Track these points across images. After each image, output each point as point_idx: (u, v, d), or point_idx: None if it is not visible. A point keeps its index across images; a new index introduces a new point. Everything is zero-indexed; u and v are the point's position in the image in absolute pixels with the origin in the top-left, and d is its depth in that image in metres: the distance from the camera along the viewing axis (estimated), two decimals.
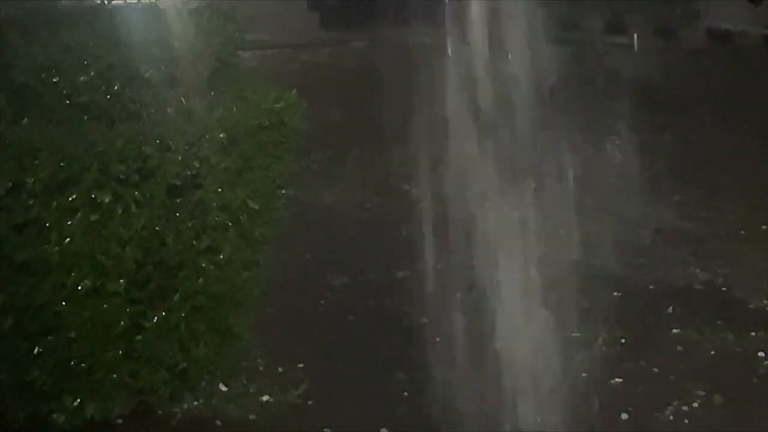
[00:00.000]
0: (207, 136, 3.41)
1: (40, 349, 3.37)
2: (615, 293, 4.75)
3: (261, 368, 3.99)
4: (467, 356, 4.06)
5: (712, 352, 4.20)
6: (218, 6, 3.89)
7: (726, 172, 6.58)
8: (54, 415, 3.47)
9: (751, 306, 4.65)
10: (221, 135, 3.46)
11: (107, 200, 3.26)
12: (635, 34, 10.58)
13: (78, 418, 3.49)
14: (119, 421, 3.57)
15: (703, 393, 3.85)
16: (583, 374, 3.97)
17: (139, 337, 3.46)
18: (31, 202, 3.21)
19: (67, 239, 3.25)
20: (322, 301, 4.66)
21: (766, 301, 4.67)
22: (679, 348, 4.24)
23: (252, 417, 3.70)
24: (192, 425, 3.63)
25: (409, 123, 7.50)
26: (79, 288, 3.30)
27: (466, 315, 4.42)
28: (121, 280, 3.35)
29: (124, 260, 3.33)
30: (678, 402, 3.79)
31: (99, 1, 3.69)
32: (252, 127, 3.63)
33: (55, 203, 3.23)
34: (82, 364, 3.41)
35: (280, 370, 4.00)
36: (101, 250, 3.30)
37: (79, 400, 3.46)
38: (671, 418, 3.71)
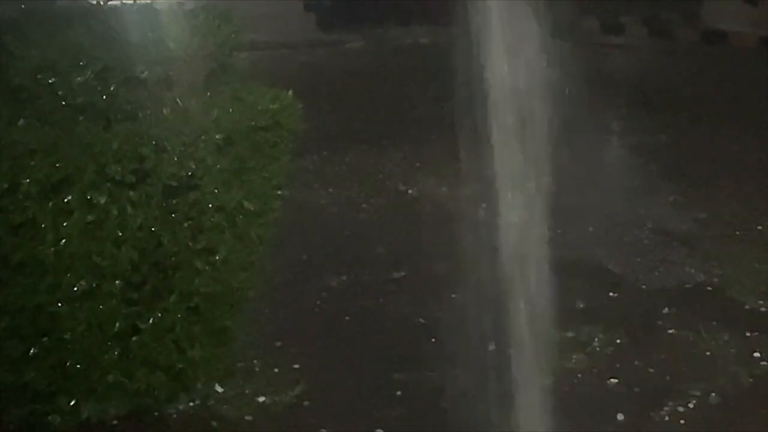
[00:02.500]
0: (203, 137, 3.41)
1: (36, 350, 3.37)
2: (611, 293, 4.75)
3: (257, 369, 4.00)
4: (464, 357, 4.07)
5: (708, 353, 4.21)
6: (214, 7, 3.89)
7: (722, 172, 6.59)
8: (50, 417, 3.47)
9: (747, 306, 4.65)
10: (217, 136, 3.46)
11: (103, 201, 3.26)
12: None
13: (74, 420, 3.49)
14: (115, 422, 3.57)
15: (698, 393, 3.85)
16: (579, 375, 3.98)
17: (135, 338, 3.46)
18: (27, 203, 3.21)
19: (63, 240, 3.25)
20: (318, 302, 4.66)
21: (761, 302, 4.68)
22: (675, 348, 4.25)
23: (248, 418, 3.70)
24: (188, 426, 3.63)
25: (405, 123, 7.52)
26: (75, 289, 3.30)
27: (462, 316, 4.42)
28: (117, 281, 3.35)
29: (120, 261, 3.33)
30: (674, 402, 3.80)
31: (95, 2, 3.68)
32: (248, 127, 3.63)
33: (50, 204, 3.23)
34: (78, 365, 3.41)
35: (277, 370, 4.00)
36: (97, 251, 3.30)
37: (74, 401, 3.46)
38: (667, 418, 3.71)
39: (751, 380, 4.00)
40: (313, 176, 6.39)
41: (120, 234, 3.31)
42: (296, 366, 4.03)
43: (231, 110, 3.58)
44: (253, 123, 3.65)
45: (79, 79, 3.36)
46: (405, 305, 4.62)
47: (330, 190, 6.26)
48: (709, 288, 4.87)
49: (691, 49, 10.43)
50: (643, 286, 4.87)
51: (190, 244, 3.46)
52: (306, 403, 3.80)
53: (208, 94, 3.62)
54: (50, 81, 3.36)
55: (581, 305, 4.55)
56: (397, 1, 11.23)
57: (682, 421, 3.70)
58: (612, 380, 3.96)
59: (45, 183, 3.21)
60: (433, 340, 4.25)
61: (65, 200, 3.24)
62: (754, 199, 6.07)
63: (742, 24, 10.60)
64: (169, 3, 3.69)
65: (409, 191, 6.28)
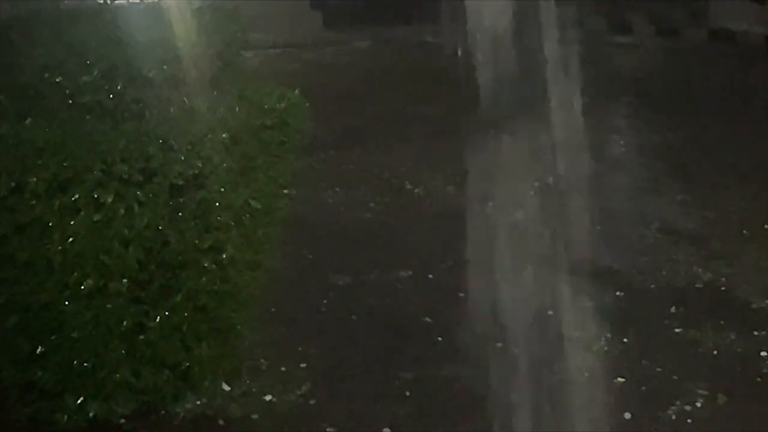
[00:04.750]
0: (210, 136, 3.41)
1: (43, 349, 3.38)
2: (618, 293, 4.74)
3: (264, 368, 4.00)
4: (470, 356, 4.06)
5: (715, 352, 4.20)
6: (221, 6, 3.90)
7: (729, 171, 6.57)
8: (57, 415, 3.48)
9: (754, 306, 4.64)
10: (224, 135, 3.46)
11: (110, 200, 3.26)
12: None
13: (81, 418, 3.50)
14: (122, 420, 3.58)
15: (706, 393, 3.85)
16: (586, 374, 3.97)
17: (141, 337, 3.46)
18: (34, 202, 3.22)
19: (70, 239, 3.25)
20: (324, 301, 4.66)
21: None
22: (682, 347, 4.24)
23: (255, 416, 3.70)
24: (195, 425, 3.63)
25: (412, 122, 7.52)
26: (82, 288, 3.30)
27: (468, 315, 4.42)
28: (124, 280, 3.36)
29: (127, 260, 3.33)
30: (681, 402, 3.79)
31: (102, 1, 3.69)
32: (255, 126, 3.63)
33: (58, 203, 3.24)
34: (85, 364, 3.41)
35: (283, 369, 4.00)
36: (104, 249, 3.30)
37: (81, 399, 3.47)
38: (674, 417, 3.71)
39: (758, 380, 3.99)
40: (319, 175, 6.39)
41: (127, 233, 3.32)
42: (303, 365, 4.03)
43: (238, 109, 3.58)
44: (259, 122, 3.65)
45: (85, 78, 3.37)
46: (411, 304, 4.62)
47: (336, 189, 6.26)
48: (716, 287, 4.86)
49: (698, 48, 10.41)
50: (651, 286, 4.86)
51: (197, 242, 3.46)
52: (313, 401, 3.80)
53: (215, 93, 3.62)
54: (57, 80, 3.37)
55: (588, 304, 4.54)
56: (403, 1, 11.23)
57: (689, 421, 3.69)
58: (619, 379, 3.95)
59: (52, 182, 3.22)
60: (440, 338, 4.25)
61: (72, 199, 3.24)
62: (761, 198, 6.06)
63: (750, 23, 10.58)
64: (175, 2, 3.69)
65: (416, 190, 6.28)
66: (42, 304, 3.32)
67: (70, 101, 3.39)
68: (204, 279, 3.51)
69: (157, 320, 3.46)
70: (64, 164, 3.21)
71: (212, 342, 3.63)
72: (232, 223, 3.54)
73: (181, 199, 3.44)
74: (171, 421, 3.64)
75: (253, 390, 3.84)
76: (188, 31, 3.59)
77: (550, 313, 4.37)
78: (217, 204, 3.47)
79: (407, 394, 3.85)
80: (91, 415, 3.50)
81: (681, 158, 6.85)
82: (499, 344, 4.13)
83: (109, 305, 3.37)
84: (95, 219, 3.27)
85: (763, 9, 10.53)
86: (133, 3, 3.75)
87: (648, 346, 4.21)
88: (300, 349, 4.15)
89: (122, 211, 3.30)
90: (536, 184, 6.11)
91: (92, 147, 3.25)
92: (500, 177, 5.68)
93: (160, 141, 3.32)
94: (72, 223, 3.25)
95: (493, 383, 3.82)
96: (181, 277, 3.49)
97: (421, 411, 3.72)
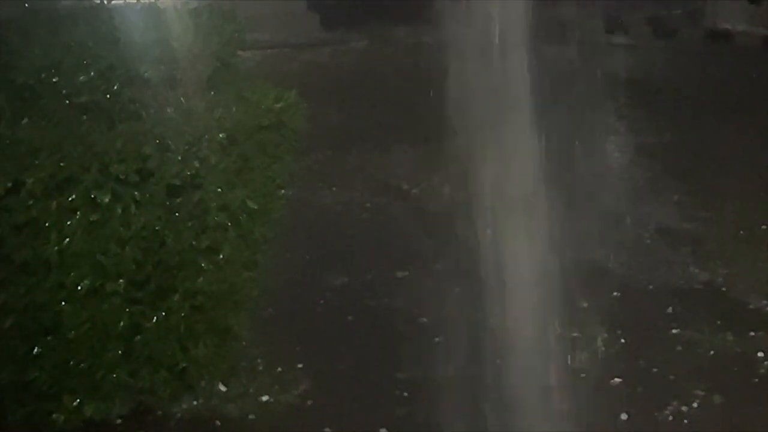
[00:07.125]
0: (206, 136, 3.41)
1: (40, 349, 3.37)
2: (615, 293, 4.75)
3: (260, 368, 4.00)
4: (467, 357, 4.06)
5: (712, 352, 4.20)
6: (218, 6, 3.89)
7: (725, 172, 6.58)
8: (53, 415, 3.48)
9: (751, 306, 4.65)
10: (221, 135, 3.46)
11: (107, 200, 3.26)
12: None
13: (77, 418, 3.49)
14: (119, 421, 3.58)
15: (702, 393, 3.85)
16: (583, 374, 3.97)
17: (138, 337, 3.46)
18: (30, 202, 3.21)
19: (67, 239, 3.25)
20: (321, 301, 4.66)
21: (765, 301, 4.68)
22: (679, 348, 4.24)
23: (251, 417, 3.70)
24: (191, 425, 3.63)
25: (409, 122, 7.52)
26: (79, 288, 3.30)
27: (465, 316, 4.42)
28: (121, 280, 3.35)
29: (124, 260, 3.33)
30: (677, 402, 3.79)
31: (98, 1, 3.68)
32: (252, 127, 3.63)
33: (54, 203, 3.23)
34: (82, 364, 3.41)
35: (280, 370, 4.00)
36: (101, 250, 3.30)
37: (78, 400, 3.47)
38: (671, 418, 3.71)
39: (755, 380, 3.99)
40: (316, 175, 6.39)
41: (124, 233, 3.31)
42: (300, 365, 4.03)
43: (234, 109, 3.58)
44: (256, 122, 3.65)
45: (82, 78, 3.37)
46: (408, 305, 4.62)
47: (333, 189, 6.26)
48: (714, 288, 4.86)
49: (695, 49, 10.42)
50: (648, 286, 4.86)
51: (194, 243, 3.46)
52: (309, 402, 3.80)
53: (212, 93, 3.62)
54: (54, 80, 3.36)
55: (585, 305, 4.54)
56: (400, 1, 11.23)
57: (685, 421, 3.69)
58: (616, 380, 3.95)
59: (49, 182, 3.21)
60: (437, 339, 4.25)
61: (69, 199, 3.24)
62: (758, 199, 6.06)
63: (747, 23, 10.60)
64: (172, 2, 3.69)
65: (413, 190, 6.28)
66: (39, 304, 3.32)
67: (67, 101, 3.39)
68: (201, 279, 3.51)
69: (154, 321, 3.46)
70: (61, 164, 3.20)
71: (209, 342, 3.63)
72: (229, 224, 3.54)
73: (178, 200, 3.43)
74: (168, 421, 3.64)
75: (250, 390, 3.84)
76: (185, 31, 3.59)
77: (546, 313, 4.37)
78: (214, 204, 3.47)
79: (404, 394, 3.85)
80: (87, 415, 3.50)
81: (678, 159, 6.86)
82: (495, 345, 4.12)
83: (105, 306, 3.36)
84: (92, 219, 3.27)
85: (760, 10, 10.54)
86: (129, 3, 3.74)
87: (645, 347, 4.22)
88: (297, 349, 4.15)
89: (119, 212, 3.29)
90: (534, 184, 6.11)
91: (89, 147, 3.24)
92: (497, 178, 5.67)
93: (157, 141, 3.32)
94: (69, 223, 3.25)
95: (489, 384, 3.82)
96: (178, 278, 3.49)
97: (418, 412, 3.72)
